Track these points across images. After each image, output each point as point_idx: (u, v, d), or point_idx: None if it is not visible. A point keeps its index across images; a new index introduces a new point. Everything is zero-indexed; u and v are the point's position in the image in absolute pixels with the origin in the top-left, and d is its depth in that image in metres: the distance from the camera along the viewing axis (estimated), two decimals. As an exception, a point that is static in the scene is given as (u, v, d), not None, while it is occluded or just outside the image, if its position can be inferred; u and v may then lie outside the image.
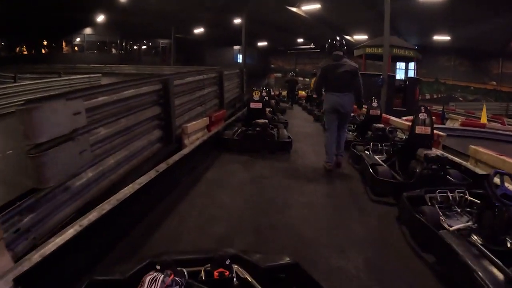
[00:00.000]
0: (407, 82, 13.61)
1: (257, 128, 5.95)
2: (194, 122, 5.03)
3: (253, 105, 6.51)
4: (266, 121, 6.19)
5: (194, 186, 3.92)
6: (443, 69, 25.45)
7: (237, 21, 21.35)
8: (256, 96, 6.51)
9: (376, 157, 5.13)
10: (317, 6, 18.11)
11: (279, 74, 30.73)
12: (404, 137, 5.29)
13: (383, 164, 4.51)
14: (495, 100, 24.10)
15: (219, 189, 3.88)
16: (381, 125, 6.31)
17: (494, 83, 24.69)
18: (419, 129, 4.34)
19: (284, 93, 17.48)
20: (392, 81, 12.40)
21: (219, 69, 7.43)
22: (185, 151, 4.06)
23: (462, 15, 18.35)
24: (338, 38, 5.05)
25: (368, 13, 19.18)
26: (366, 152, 5.43)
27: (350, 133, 7.11)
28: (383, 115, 8.37)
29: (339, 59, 4.72)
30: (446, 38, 22.23)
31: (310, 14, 19.52)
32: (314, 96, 14.62)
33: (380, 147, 5.69)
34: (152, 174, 3.23)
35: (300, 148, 6.20)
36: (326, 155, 4.89)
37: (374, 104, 6.44)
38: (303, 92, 21.14)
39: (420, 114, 4.36)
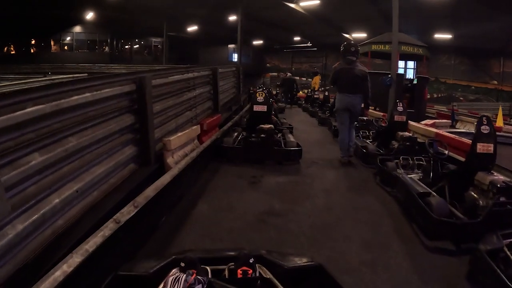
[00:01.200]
0: (416, 82, 12.37)
1: (262, 135, 5.03)
2: (179, 134, 3.81)
3: (257, 107, 5.53)
4: (272, 126, 5.27)
5: (175, 235, 2.71)
6: (443, 68, 24.39)
7: (232, 18, 20.08)
8: (260, 98, 5.47)
9: (412, 176, 4.01)
10: (316, 1, 16.93)
11: (275, 73, 29.43)
12: (446, 151, 4.13)
13: (432, 192, 3.34)
14: (496, 100, 23.21)
15: (212, 240, 2.66)
16: (408, 134, 5.16)
17: (496, 82, 23.75)
18: (481, 147, 3.18)
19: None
20: (400, 81, 11.21)
21: (212, 66, 6.20)
22: (163, 180, 2.83)
23: (465, 13, 17.56)
24: (353, 43, 5.40)
25: (368, 10, 18.13)
26: (399, 170, 4.27)
27: (368, 141, 5.97)
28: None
29: (351, 64, 5.08)
30: (448, 36, 21.24)
31: (308, 10, 18.31)
32: (315, 96, 13.53)
33: (411, 162, 4.56)
34: (107, 230, 2.02)
35: (313, 163, 5.03)
36: (340, 150, 5.29)
37: (399, 108, 5.25)
38: (301, 92, 20.01)
39: (482, 127, 3.21)
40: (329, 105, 10.08)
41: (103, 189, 2.93)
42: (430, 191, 3.33)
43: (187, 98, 4.75)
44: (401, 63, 20.14)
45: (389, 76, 10.77)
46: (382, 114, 8.62)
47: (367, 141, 6.00)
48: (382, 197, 3.79)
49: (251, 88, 15.63)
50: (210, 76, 5.93)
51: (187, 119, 4.73)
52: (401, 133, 5.09)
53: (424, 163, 4.46)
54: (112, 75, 3.10)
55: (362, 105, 5.33)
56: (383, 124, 5.92)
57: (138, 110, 3.35)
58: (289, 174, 4.43)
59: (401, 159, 4.50)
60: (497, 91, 23.76)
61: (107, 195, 2.91)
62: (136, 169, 3.38)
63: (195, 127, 4.34)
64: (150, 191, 2.56)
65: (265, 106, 5.56)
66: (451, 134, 5.44)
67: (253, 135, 5.23)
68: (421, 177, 4.15)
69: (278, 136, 5.85)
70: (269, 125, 5.23)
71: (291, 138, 5.79)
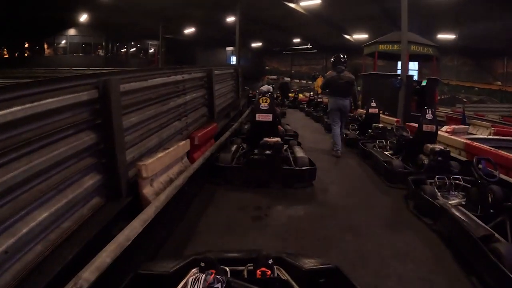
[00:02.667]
0: (425, 83, 11.46)
1: (267, 151, 4.07)
2: (160, 154, 2.90)
3: (260, 116, 4.53)
4: (279, 139, 4.24)
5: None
6: (446, 69, 23.53)
7: (230, 19, 19.20)
8: (264, 104, 4.51)
9: (454, 203, 3.16)
10: (317, 1, 16.09)
11: (274, 76, 28.51)
12: (497, 172, 3.26)
13: (495, 233, 2.47)
14: (500, 101, 22.44)
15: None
16: (440, 147, 4.26)
17: (499, 83, 22.94)
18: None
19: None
20: (410, 83, 10.36)
21: (207, 67, 5.31)
22: (128, 233, 1.91)
23: (468, 12, 16.89)
24: (341, 55, 5.92)
25: (371, 9, 17.35)
26: (439, 193, 3.41)
27: (387, 153, 5.10)
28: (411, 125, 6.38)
29: (341, 72, 5.76)
30: (451, 36, 20.44)
31: (309, 10, 17.47)
32: (319, 100, 12.65)
33: (447, 182, 3.69)
34: None
35: (330, 184, 4.15)
36: (334, 145, 5.88)
37: (429, 115, 4.38)
38: (302, 95, 19.16)
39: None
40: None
41: (51, 240, 2.06)
42: (493, 232, 2.46)
43: (175, 106, 3.86)
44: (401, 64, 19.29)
45: (399, 77, 9.94)
46: (395, 120, 7.75)
47: (387, 153, 5.13)
48: (424, 234, 2.90)
49: (250, 92, 14.86)
50: (205, 79, 5.05)
51: (175, 131, 3.84)
52: (431, 146, 4.22)
53: (462, 182, 3.62)
54: (62, 78, 2.21)
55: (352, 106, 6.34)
56: (405, 135, 5.02)
57: (102, 125, 2.46)
58: (303, 203, 3.52)
59: (436, 179, 3.64)
60: (501, 92, 22.96)
61: (56, 249, 2.03)
62: (101, 204, 2.49)
63: (183, 142, 3.44)
64: (106, 256, 1.67)
65: (270, 115, 4.55)
66: (493, 148, 4.56)
67: (255, 150, 4.32)
68: (464, 203, 3.31)
69: (284, 148, 4.94)
70: (276, 138, 4.25)
71: (300, 152, 4.78)
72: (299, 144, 5.57)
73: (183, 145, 3.41)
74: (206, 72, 5.09)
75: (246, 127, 7.14)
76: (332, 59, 5.94)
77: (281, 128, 5.75)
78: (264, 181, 4.06)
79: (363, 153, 5.42)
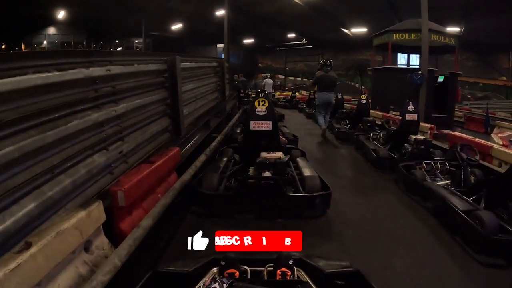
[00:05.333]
0: (443, 79, 9.58)
1: (267, 172, 3.08)
2: None
3: (256, 125, 3.35)
4: (281, 154, 3.29)
5: None
6: (449, 64, 21.83)
7: (220, 13, 17.20)
8: (261, 108, 3.29)
9: None
10: (314, -10, 14.26)
11: (268, 74, 26.47)
12: None
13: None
14: (505, 97, 20.90)
15: None
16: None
17: (504, 78, 21.40)
18: None
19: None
20: (432, 79, 8.54)
21: (170, 55, 3.35)
22: None
23: (476, 4, 15.46)
24: (329, 60, 7.28)
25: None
26: None
27: (453, 191, 3.24)
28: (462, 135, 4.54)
29: (327, 72, 6.96)
30: (456, 29, 18.78)
31: (305, 1, 15.59)
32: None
33: None
34: None
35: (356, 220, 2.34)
36: (319, 124, 7.19)
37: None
38: (299, 94, 17.34)
39: None
40: (351, 112, 7.73)
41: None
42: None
43: (87, 126, 1.96)
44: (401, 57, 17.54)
45: (420, 72, 8.12)
46: (429, 126, 5.86)
47: (441, 181, 3.27)
48: None
49: (241, 91, 13.00)
50: (164, 75, 3.14)
51: (89, 174, 1.92)
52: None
53: None
54: None
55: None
56: (474, 158, 3.14)
57: None
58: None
59: None
60: (506, 88, 21.42)
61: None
62: None
63: (81, 214, 1.52)
64: None
65: (270, 123, 3.31)
66: None
67: (250, 168, 3.32)
68: None
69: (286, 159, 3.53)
70: (277, 154, 3.17)
71: (307, 169, 3.38)
72: (303, 154, 4.15)
73: (79, 223, 1.48)
74: (166, 63, 3.16)
75: (238, 130, 6.08)
76: (321, 61, 7.30)
77: (283, 139, 4.21)
78: (263, 212, 2.95)
79: (408, 184, 3.55)
